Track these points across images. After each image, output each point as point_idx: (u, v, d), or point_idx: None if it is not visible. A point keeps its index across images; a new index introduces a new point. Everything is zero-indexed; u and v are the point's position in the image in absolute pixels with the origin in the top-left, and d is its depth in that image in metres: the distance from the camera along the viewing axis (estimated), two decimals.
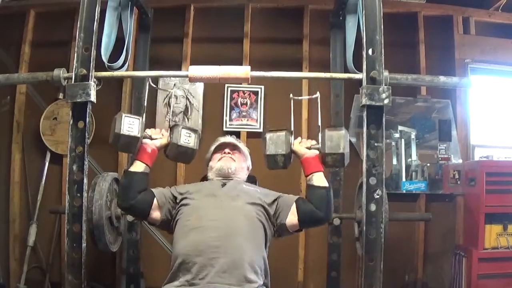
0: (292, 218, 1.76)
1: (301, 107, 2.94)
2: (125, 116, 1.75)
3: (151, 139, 1.82)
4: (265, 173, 2.09)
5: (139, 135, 1.75)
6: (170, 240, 2.90)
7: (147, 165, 1.79)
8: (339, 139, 1.75)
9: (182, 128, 1.86)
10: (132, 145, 1.77)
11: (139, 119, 1.77)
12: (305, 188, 2.92)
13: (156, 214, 1.77)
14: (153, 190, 1.81)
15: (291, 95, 1.89)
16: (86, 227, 1.60)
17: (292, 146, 1.83)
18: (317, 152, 1.81)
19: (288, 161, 1.84)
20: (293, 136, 1.86)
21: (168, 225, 1.80)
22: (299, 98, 1.81)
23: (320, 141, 1.80)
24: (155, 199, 1.77)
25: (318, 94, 1.87)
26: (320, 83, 2.84)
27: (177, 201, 1.79)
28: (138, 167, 1.78)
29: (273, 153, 1.81)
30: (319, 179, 1.79)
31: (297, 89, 2.90)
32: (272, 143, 1.81)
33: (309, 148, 1.82)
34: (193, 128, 1.91)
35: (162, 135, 1.85)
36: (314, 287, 2.96)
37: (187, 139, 1.84)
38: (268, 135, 1.83)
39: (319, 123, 1.85)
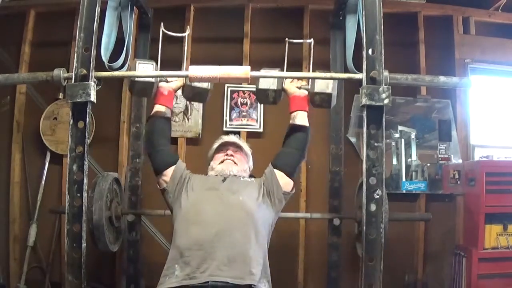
0: (283, 180, 1.83)
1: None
2: (139, 62, 1.82)
3: (167, 81, 1.89)
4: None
5: (153, 80, 1.81)
6: (170, 240, 2.90)
7: (167, 106, 1.87)
8: (327, 82, 1.83)
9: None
10: (148, 90, 1.83)
11: (153, 64, 1.84)
12: (305, 189, 2.96)
13: (166, 178, 1.84)
14: (179, 161, 1.88)
15: (286, 39, 1.95)
16: (86, 227, 1.60)
17: (283, 84, 1.91)
18: (306, 92, 1.89)
19: (278, 97, 1.92)
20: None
21: (167, 196, 1.85)
22: (294, 41, 1.89)
23: (309, 82, 1.88)
24: (173, 167, 1.84)
25: (311, 40, 1.95)
26: None
27: (185, 187, 1.82)
28: (159, 109, 1.87)
29: (265, 87, 1.89)
30: (302, 118, 1.87)
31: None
32: (265, 78, 1.88)
33: (299, 88, 1.90)
34: None
35: (178, 77, 1.91)
36: (314, 287, 2.96)
37: None
38: (263, 69, 1.88)
39: (311, 69, 1.90)
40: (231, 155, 1.96)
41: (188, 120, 3.00)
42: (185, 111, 3.00)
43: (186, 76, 1.72)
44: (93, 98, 1.56)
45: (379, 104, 1.56)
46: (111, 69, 1.84)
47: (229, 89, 3.01)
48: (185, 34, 1.95)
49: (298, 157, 1.86)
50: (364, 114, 1.59)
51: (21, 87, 3.03)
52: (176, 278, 1.57)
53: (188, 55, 3.00)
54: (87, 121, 1.56)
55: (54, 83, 1.64)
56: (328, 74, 1.81)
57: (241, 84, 2.96)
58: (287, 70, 1.85)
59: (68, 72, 1.65)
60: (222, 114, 3.00)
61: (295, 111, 1.88)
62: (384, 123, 1.58)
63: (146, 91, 1.85)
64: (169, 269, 1.62)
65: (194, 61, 2.92)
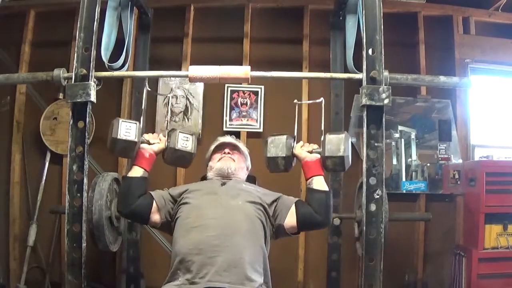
0: (291, 220, 1.76)
1: (302, 109, 2.94)
2: (122, 121, 1.75)
3: (149, 143, 1.83)
4: (265, 173, 2.09)
5: (136, 140, 1.75)
6: (170, 240, 2.89)
7: (145, 170, 1.80)
8: (339, 143, 1.76)
9: (180, 132, 1.86)
10: (130, 150, 1.77)
11: (136, 123, 1.78)
12: (305, 189, 2.95)
13: (156, 217, 1.78)
14: (152, 193, 1.81)
15: (295, 101, 1.90)
16: (86, 227, 1.60)
17: (293, 149, 1.85)
18: (318, 156, 1.82)
19: (289, 164, 1.86)
20: (295, 141, 1.88)
21: (169, 226, 1.80)
22: (303, 102, 1.84)
23: (321, 145, 1.81)
24: (154, 202, 1.78)
25: (322, 99, 1.88)
26: (320, 83, 2.84)
27: (177, 201, 1.79)
28: (137, 172, 1.79)
29: (274, 155, 1.83)
30: (319, 183, 1.80)
31: (297, 89, 2.91)
32: (274, 146, 1.84)
33: (311, 152, 1.83)
34: (190, 132, 1.92)
35: (160, 139, 1.86)
36: (314, 287, 2.96)
37: (185, 143, 1.85)
38: (269, 138, 1.87)
39: (322, 128, 1.85)
40: (229, 153, 1.95)
41: (188, 120, 2.99)
42: (185, 111, 3.00)
43: (186, 76, 1.72)
44: (93, 98, 1.57)
45: (379, 104, 1.56)
46: (111, 69, 1.84)
47: (229, 89, 3.01)
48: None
49: (319, 221, 1.75)
50: (364, 114, 1.59)
51: (21, 87, 3.02)
52: (178, 282, 1.57)
53: (187, 60, 3.00)
54: (87, 121, 1.56)
55: (54, 83, 1.64)
56: (328, 74, 1.81)
57: (241, 84, 2.96)
58: (285, 70, 1.83)
59: (68, 72, 1.65)
60: (222, 114, 3.00)
61: (310, 177, 1.81)
62: (384, 123, 1.58)
63: (128, 150, 1.77)
64: (173, 275, 1.61)
65: (194, 61, 2.92)
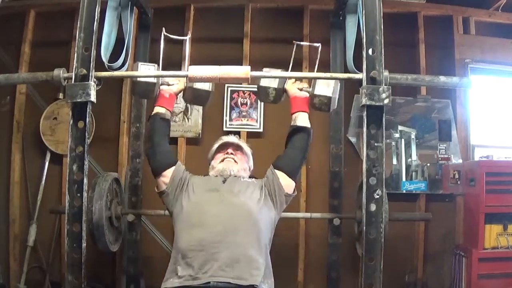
0: (285, 181, 1.83)
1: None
2: (141, 64, 1.82)
3: (168, 85, 1.90)
4: (265, 173, 2.09)
5: (155, 81, 1.82)
6: (170, 240, 2.91)
7: (167, 109, 1.88)
8: (329, 83, 1.83)
9: None
10: (150, 91, 1.84)
11: (154, 65, 1.84)
12: (304, 190, 2.96)
13: (165, 179, 1.82)
14: (179, 162, 1.88)
15: (294, 41, 1.93)
16: (86, 227, 1.60)
17: (285, 84, 1.91)
18: (307, 94, 1.89)
19: (278, 97, 1.93)
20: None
21: (166, 199, 1.84)
22: (301, 43, 1.89)
23: (311, 84, 1.87)
24: (173, 168, 1.83)
25: (319, 44, 1.92)
26: None
27: (185, 189, 1.82)
28: (160, 110, 1.87)
29: (266, 85, 1.90)
30: (303, 119, 1.87)
31: None
32: (268, 75, 1.87)
33: (301, 90, 1.90)
34: None
35: (179, 80, 1.92)
36: (314, 287, 2.96)
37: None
38: (265, 69, 1.88)
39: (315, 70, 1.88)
40: (231, 154, 1.96)
41: (188, 120, 3.00)
42: (185, 111, 3.00)
43: (186, 76, 1.72)
44: (93, 98, 1.56)
45: (379, 104, 1.56)
46: (111, 69, 1.84)
47: (229, 89, 3.01)
48: (187, 38, 1.95)
49: (300, 158, 1.86)
50: (364, 114, 1.59)
51: (21, 87, 3.02)
52: (179, 279, 1.57)
53: (188, 57, 3.00)
54: (87, 121, 1.56)
55: (54, 83, 1.64)
56: (328, 74, 1.81)
57: (241, 84, 2.96)
58: (285, 71, 1.84)
59: (68, 72, 1.65)
60: (222, 114, 3.00)
61: (296, 112, 1.88)
62: (384, 123, 1.58)
63: (147, 92, 1.85)
64: (173, 271, 1.62)
65: (194, 61, 2.88)
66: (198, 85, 1.88)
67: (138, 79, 1.80)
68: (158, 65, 1.85)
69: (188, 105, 2.99)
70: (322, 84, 1.84)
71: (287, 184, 1.83)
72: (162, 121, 1.86)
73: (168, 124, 1.90)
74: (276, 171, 1.84)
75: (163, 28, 1.89)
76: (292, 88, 1.91)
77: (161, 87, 1.88)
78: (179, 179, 1.83)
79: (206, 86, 1.90)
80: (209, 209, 1.70)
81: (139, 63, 1.84)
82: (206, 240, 1.60)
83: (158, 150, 1.83)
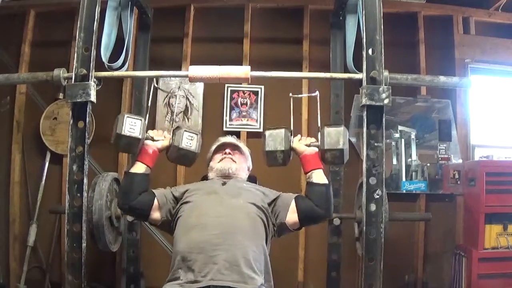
0: (292, 216, 1.77)
1: (301, 107, 2.95)
2: (127, 116, 1.75)
3: (153, 140, 1.83)
4: (265, 173, 2.10)
5: (140, 136, 1.75)
6: (170, 240, 2.90)
7: (148, 166, 1.80)
8: (338, 136, 1.75)
9: (185, 131, 1.86)
10: (134, 146, 1.77)
11: (141, 120, 1.77)
12: (305, 187, 2.96)
13: (156, 214, 1.78)
14: (154, 190, 1.81)
15: (290, 94, 1.90)
16: (86, 227, 1.60)
17: (291, 143, 1.85)
18: (316, 149, 1.82)
19: (287, 158, 1.85)
20: (292, 134, 1.87)
21: (169, 225, 1.80)
22: (299, 96, 1.83)
23: (319, 138, 1.80)
24: (155, 200, 1.78)
25: (317, 93, 1.88)
26: (320, 83, 2.84)
27: (178, 200, 1.79)
28: (139, 168, 1.79)
29: (272, 149, 1.82)
30: (319, 176, 1.80)
31: (297, 89, 2.91)
32: (272, 139, 1.83)
33: (309, 146, 1.83)
34: (196, 131, 1.91)
35: (164, 137, 1.86)
36: (314, 287, 2.96)
37: (189, 142, 1.85)
38: (267, 132, 1.85)
39: (319, 122, 1.85)
40: (229, 154, 1.95)
41: (188, 120, 3.00)
42: (185, 111, 3.00)
43: (186, 76, 1.72)
44: (93, 98, 1.57)
45: (379, 104, 1.56)
46: (111, 69, 1.84)
47: (229, 89, 3.01)
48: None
49: (320, 214, 1.76)
50: (364, 114, 1.59)
51: (21, 87, 3.02)
52: (180, 281, 1.57)
53: (187, 60, 3.00)
54: (87, 121, 1.56)
55: (54, 83, 1.64)
56: (328, 74, 1.81)
57: (241, 84, 2.96)
58: (284, 70, 1.83)
59: (68, 72, 1.65)
60: (222, 114, 3.00)
61: (310, 171, 1.81)
62: (384, 123, 1.58)
63: (131, 146, 1.77)
64: (174, 274, 1.60)
65: (194, 61, 2.92)
66: (184, 145, 1.83)
67: (123, 133, 1.72)
68: (145, 118, 1.79)
69: (188, 105, 2.99)
70: (330, 135, 1.76)
71: (291, 219, 1.77)
72: (142, 178, 1.77)
73: (148, 181, 1.80)
74: (293, 201, 1.78)
75: (154, 80, 1.84)
76: (300, 146, 1.83)
77: (145, 141, 1.80)
78: (166, 200, 1.79)
79: (193, 147, 1.84)
80: (208, 212, 1.69)
81: (125, 115, 1.75)
82: (204, 242, 1.59)
83: (134, 203, 1.75)
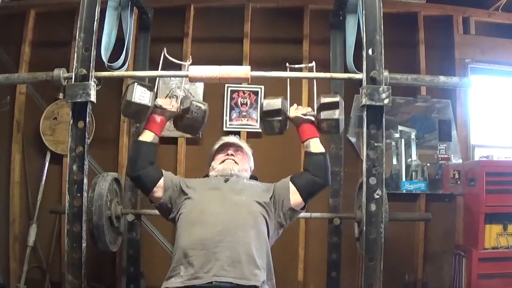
0: (295, 197, 1.79)
1: (301, 92, 2.94)
2: (138, 85, 1.77)
3: (161, 109, 1.84)
4: (266, 173, 2.10)
5: (150, 104, 1.77)
6: (170, 240, 2.91)
7: (156, 134, 1.82)
8: (333, 103, 1.78)
9: (193, 100, 1.89)
10: (142, 114, 1.79)
11: (151, 89, 1.80)
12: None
13: (158, 193, 1.79)
14: (163, 171, 1.83)
15: (287, 64, 1.90)
16: (86, 227, 1.60)
17: (288, 112, 1.86)
18: (313, 118, 1.83)
19: (283, 127, 1.87)
20: (289, 104, 1.88)
21: (166, 210, 1.81)
22: (296, 66, 1.85)
23: (315, 108, 1.82)
24: (162, 179, 1.79)
25: (313, 63, 1.90)
26: (320, 83, 2.84)
27: (182, 192, 1.80)
28: (147, 136, 1.81)
29: (269, 118, 1.83)
30: (316, 145, 1.82)
31: (297, 88, 2.90)
32: (269, 108, 1.84)
33: (305, 115, 1.84)
34: (203, 102, 1.94)
35: (172, 106, 1.87)
36: (314, 287, 2.96)
37: (197, 111, 1.88)
38: (265, 101, 1.85)
39: (315, 95, 1.86)
40: (232, 155, 1.95)
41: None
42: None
43: (186, 76, 1.72)
44: (93, 98, 1.57)
45: (379, 104, 1.56)
46: (111, 69, 1.84)
47: (229, 89, 3.01)
48: (187, 63, 1.91)
49: (319, 182, 1.79)
50: (364, 114, 1.59)
51: (21, 87, 3.02)
52: (181, 278, 1.57)
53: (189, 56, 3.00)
54: (87, 121, 1.56)
55: (54, 83, 1.64)
56: (328, 74, 1.81)
57: (241, 84, 2.96)
58: (285, 71, 1.83)
59: (68, 72, 1.65)
60: (222, 114, 3.00)
61: (306, 139, 1.82)
62: (384, 123, 1.58)
63: (140, 114, 1.79)
64: (174, 270, 1.61)
65: (194, 61, 2.89)
66: (191, 113, 1.85)
67: (133, 100, 1.72)
68: (154, 86, 1.81)
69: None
70: (327, 107, 1.78)
71: (295, 200, 1.79)
72: (148, 146, 1.79)
73: (155, 150, 1.82)
74: (291, 183, 1.80)
75: (164, 49, 1.85)
76: (297, 115, 1.84)
77: (154, 110, 1.81)
78: (172, 185, 1.80)
79: (200, 116, 1.87)
80: (210, 208, 1.69)
81: (136, 83, 1.76)
82: (207, 239, 1.60)
83: (142, 172, 1.77)
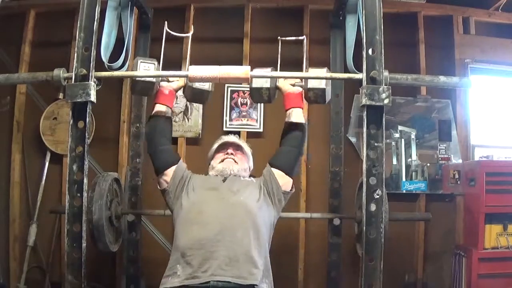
0: (282, 179, 1.83)
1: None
2: (141, 61, 1.80)
3: (168, 81, 1.88)
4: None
5: (154, 80, 1.80)
6: (170, 240, 2.91)
7: (167, 106, 1.86)
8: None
9: None
10: (149, 89, 1.83)
11: (154, 63, 1.83)
12: (305, 189, 2.96)
13: (167, 177, 1.83)
14: (180, 160, 1.88)
15: (279, 37, 1.96)
16: (86, 227, 1.60)
17: (277, 82, 1.90)
18: (300, 89, 1.88)
19: (272, 96, 1.91)
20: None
21: (168, 197, 1.84)
22: (287, 39, 1.88)
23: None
24: (174, 167, 1.83)
25: (304, 37, 1.97)
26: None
27: (185, 188, 1.82)
28: (160, 109, 1.86)
29: (258, 86, 1.88)
30: (298, 115, 1.86)
31: None
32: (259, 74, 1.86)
33: (293, 85, 1.89)
34: None
35: (179, 77, 1.90)
36: (314, 287, 2.96)
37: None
38: (255, 70, 1.87)
39: (304, 64, 1.90)
40: (231, 154, 1.96)
41: (188, 120, 3.00)
42: (185, 111, 3.00)
43: (186, 76, 1.73)
44: (93, 98, 1.56)
45: (379, 104, 1.56)
46: (111, 69, 1.84)
47: (229, 89, 3.01)
48: (189, 34, 1.95)
49: (296, 154, 1.85)
50: (364, 114, 1.59)
51: (21, 87, 3.03)
52: (178, 278, 1.57)
53: (189, 55, 3.00)
54: (87, 121, 1.56)
55: (54, 83, 1.64)
56: (328, 74, 1.81)
57: (241, 84, 2.96)
58: (285, 70, 1.84)
59: (68, 72, 1.65)
60: (222, 114, 3.00)
61: (290, 108, 1.87)
62: (384, 123, 1.58)
63: (147, 90, 1.84)
64: (172, 269, 1.62)
65: (194, 61, 2.89)
66: (197, 84, 1.88)
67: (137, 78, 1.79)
68: (158, 62, 1.84)
69: (188, 105, 2.99)
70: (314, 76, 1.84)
71: (284, 181, 1.83)
72: (163, 119, 1.85)
73: (170, 123, 1.89)
74: (273, 169, 1.84)
75: (165, 23, 1.88)
76: (285, 84, 1.90)
77: (161, 83, 1.87)
78: (180, 177, 1.83)
79: (206, 85, 1.90)
80: (208, 208, 1.70)
81: (139, 60, 1.82)
82: (205, 238, 1.60)
83: (160, 149, 1.83)
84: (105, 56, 1.81)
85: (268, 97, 1.90)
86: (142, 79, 1.79)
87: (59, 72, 1.63)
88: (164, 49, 1.88)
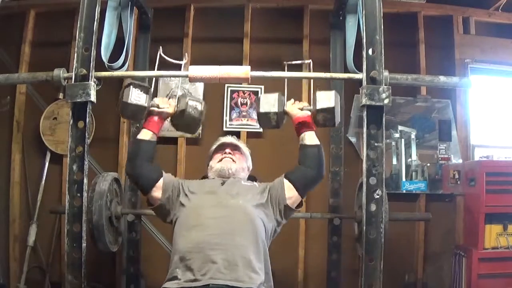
0: (290, 193, 1.79)
1: (301, 92, 2.94)
2: (133, 87, 1.76)
3: (158, 108, 1.84)
4: (265, 173, 2.10)
5: (146, 105, 1.77)
6: (170, 240, 2.90)
7: (154, 133, 1.82)
8: (329, 97, 1.79)
9: (189, 99, 1.88)
10: (139, 114, 1.79)
11: (147, 90, 1.79)
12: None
13: (157, 194, 1.79)
14: (163, 172, 1.83)
15: (284, 62, 1.94)
16: (86, 227, 1.60)
17: (284, 106, 1.88)
18: (309, 112, 1.86)
19: (280, 121, 1.89)
20: (286, 98, 1.90)
21: (163, 212, 1.81)
22: (293, 62, 1.88)
23: (312, 102, 1.85)
24: (161, 180, 1.79)
25: (310, 61, 1.96)
26: (320, 83, 2.84)
27: (181, 194, 1.80)
28: (145, 134, 1.81)
29: (266, 111, 1.86)
30: (311, 138, 1.83)
31: (297, 88, 2.91)
32: (266, 102, 1.86)
33: (301, 109, 1.87)
34: (199, 100, 1.93)
35: (169, 104, 1.87)
36: (314, 287, 2.96)
37: (194, 110, 1.88)
38: (262, 95, 1.89)
39: (311, 89, 1.88)
40: (230, 153, 1.96)
41: None
42: None
43: (186, 76, 1.73)
44: (93, 98, 1.57)
45: (379, 104, 1.56)
46: (111, 69, 1.84)
47: (229, 89, 3.01)
48: (182, 62, 1.92)
49: (313, 175, 1.80)
50: (364, 114, 1.59)
51: (21, 87, 3.02)
52: (178, 281, 1.57)
53: (189, 56, 3.00)
54: (87, 121, 1.56)
55: (54, 83, 1.64)
56: (328, 74, 1.81)
57: (241, 84, 2.96)
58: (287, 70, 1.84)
59: (68, 72, 1.65)
60: (222, 114, 3.00)
61: (302, 132, 1.83)
62: (384, 123, 1.58)
63: (137, 115, 1.79)
64: (172, 273, 1.61)
65: (194, 61, 2.91)
66: (188, 112, 1.84)
67: (129, 101, 1.72)
68: (150, 86, 1.80)
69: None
70: (322, 99, 1.80)
71: (291, 195, 1.79)
72: (147, 144, 1.79)
73: (154, 148, 1.82)
74: (285, 180, 1.81)
75: (160, 48, 1.86)
76: (293, 109, 1.86)
77: (151, 109, 1.81)
78: (172, 186, 1.80)
79: (197, 114, 1.87)
80: (207, 212, 1.69)
81: (131, 86, 1.75)
82: (204, 242, 1.60)
83: (141, 171, 1.77)
84: (105, 56, 1.81)
85: (276, 122, 1.87)
86: (134, 102, 1.73)
87: (59, 72, 1.64)
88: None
